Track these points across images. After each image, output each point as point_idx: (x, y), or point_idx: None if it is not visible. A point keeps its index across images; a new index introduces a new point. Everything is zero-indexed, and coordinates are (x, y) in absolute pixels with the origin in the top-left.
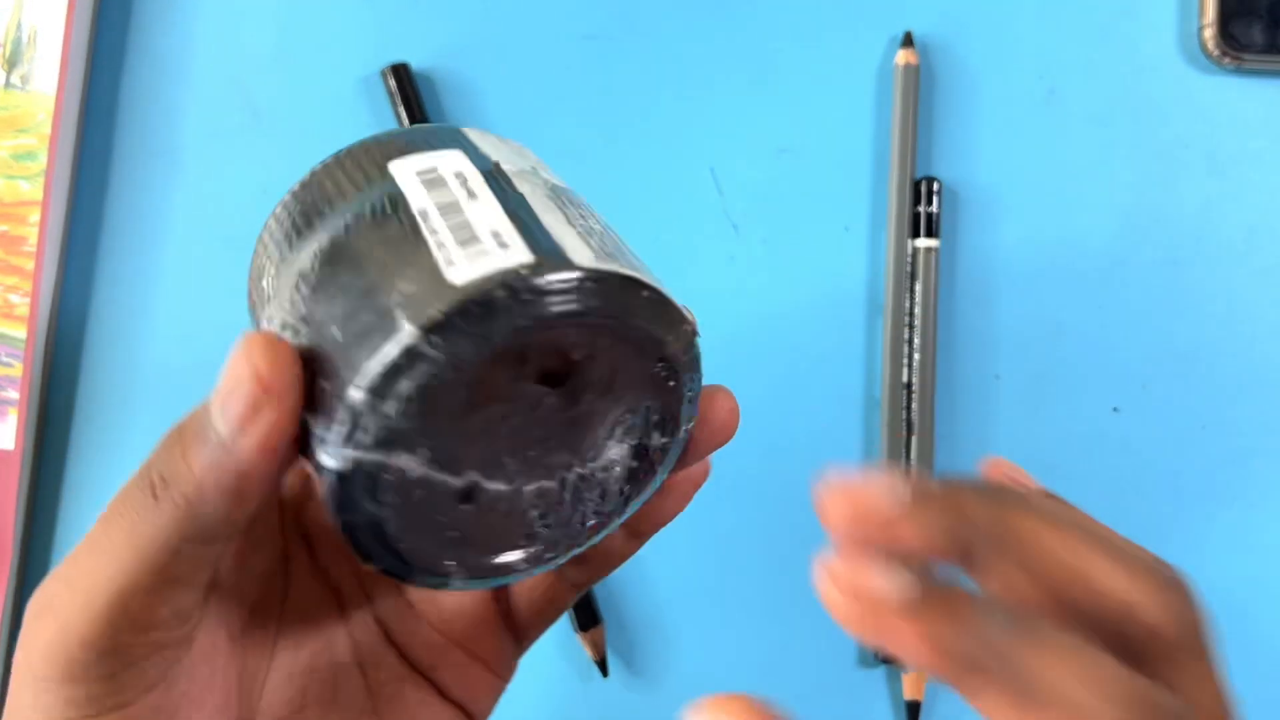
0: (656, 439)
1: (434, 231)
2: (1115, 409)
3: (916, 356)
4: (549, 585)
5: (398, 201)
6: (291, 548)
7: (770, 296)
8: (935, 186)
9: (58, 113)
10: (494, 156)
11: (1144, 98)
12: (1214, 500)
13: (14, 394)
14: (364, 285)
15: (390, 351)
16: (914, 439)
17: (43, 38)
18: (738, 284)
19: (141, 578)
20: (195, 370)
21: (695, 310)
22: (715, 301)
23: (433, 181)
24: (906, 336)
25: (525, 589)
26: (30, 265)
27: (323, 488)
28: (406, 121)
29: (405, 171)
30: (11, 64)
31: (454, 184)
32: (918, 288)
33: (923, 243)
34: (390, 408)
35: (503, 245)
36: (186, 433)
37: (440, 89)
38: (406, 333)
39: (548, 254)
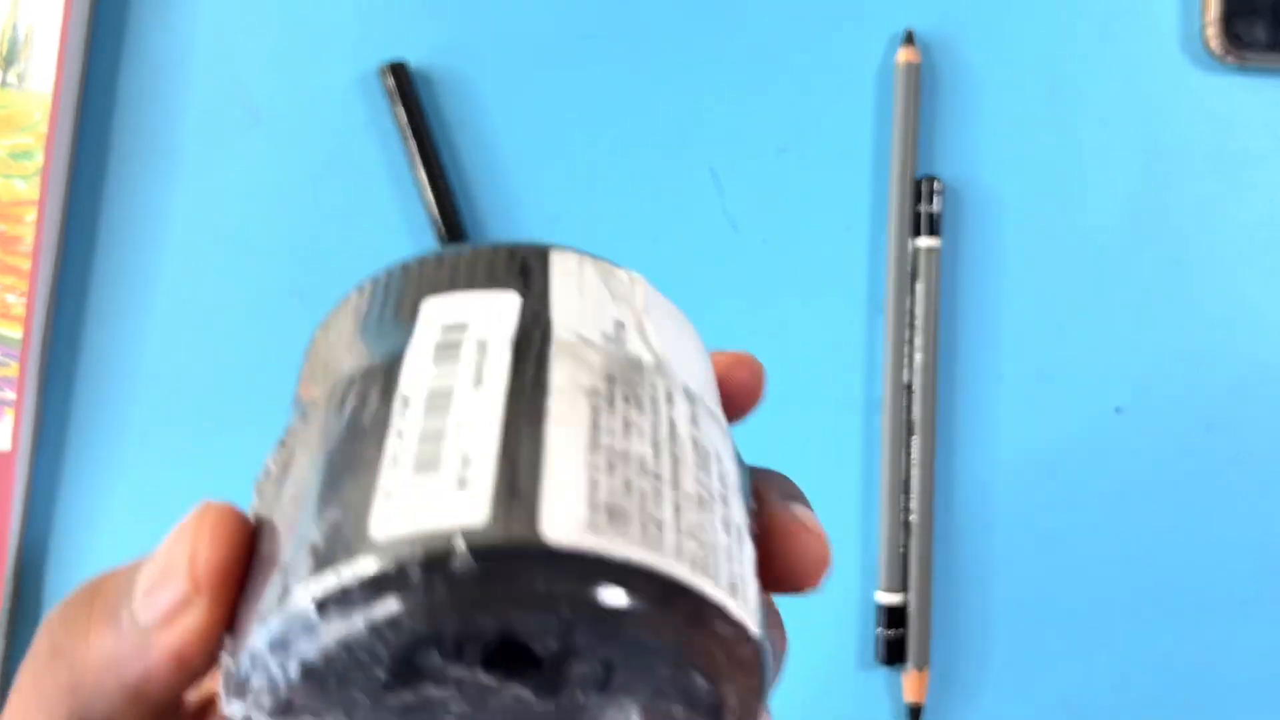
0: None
1: (401, 435)
2: (1118, 409)
3: (918, 357)
4: None
5: (393, 369)
6: None
7: (771, 296)
8: (936, 186)
9: (54, 112)
10: (559, 309)
11: (1146, 96)
12: (1216, 500)
13: (11, 394)
14: (306, 490)
15: (278, 615)
16: (915, 440)
17: (39, 36)
18: (738, 284)
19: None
20: (192, 370)
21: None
22: (715, 301)
23: (446, 349)
24: (908, 337)
25: None
26: (27, 265)
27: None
28: (404, 121)
29: (430, 323)
30: (8, 63)
31: (468, 358)
32: (919, 287)
33: (924, 242)
34: (280, 679)
35: (461, 484)
36: (98, 604)
37: (439, 88)
38: (297, 598)
39: (513, 512)
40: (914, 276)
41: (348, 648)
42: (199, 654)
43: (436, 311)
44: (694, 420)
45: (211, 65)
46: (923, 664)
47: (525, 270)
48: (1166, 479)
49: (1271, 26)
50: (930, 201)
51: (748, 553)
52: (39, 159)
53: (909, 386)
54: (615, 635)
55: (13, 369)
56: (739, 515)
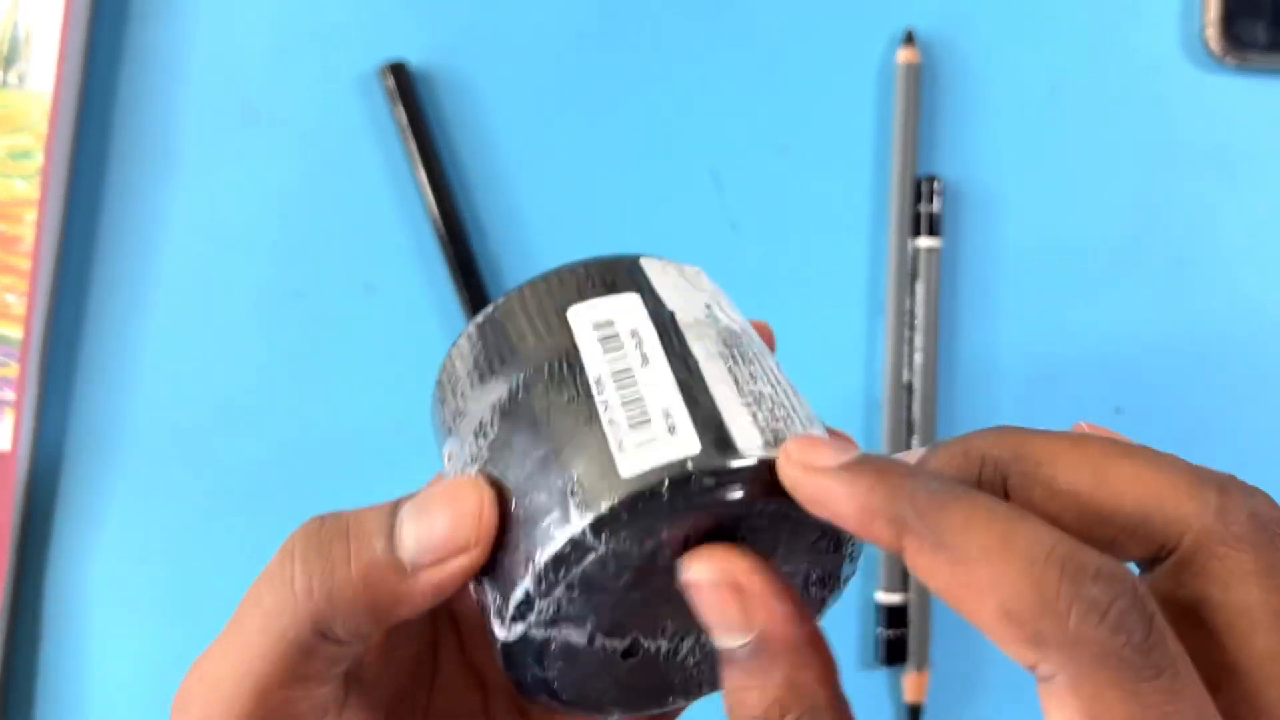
0: (816, 592)
1: (607, 405)
2: (1118, 409)
3: (918, 357)
4: None
5: (574, 363)
6: (440, 634)
7: (771, 296)
8: (937, 185)
9: (54, 112)
10: (669, 301)
11: (1147, 96)
12: None
13: (10, 394)
14: (539, 456)
15: (559, 541)
16: (915, 439)
17: (39, 36)
18: (738, 283)
19: (277, 672)
20: (191, 370)
21: None
22: None
23: (608, 340)
24: (908, 336)
25: None
26: (26, 265)
27: (493, 644)
28: (404, 121)
29: (583, 324)
30: (8, 63)
31: (629, 344)
32: (919, 287)
33: (924, 242)
34: (558, 593)
35: (672, 430)
36: (353, 536)
37: (438, 87)
38: (575, 525)
39: (717, 442)
40: (914, 276)
41: (612, 557)
42: (455, 588)
43: (582, 318)
44: (778, 365)
45: (211, 65)
46: (923, 664)
47: (631, 275)
48: None
49: (1271, 27)
50: (930, 201)
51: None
52: (39, 159)
53: (909, 386)
54: (785, 515)
55: (12, 369)
56: (806, 408)
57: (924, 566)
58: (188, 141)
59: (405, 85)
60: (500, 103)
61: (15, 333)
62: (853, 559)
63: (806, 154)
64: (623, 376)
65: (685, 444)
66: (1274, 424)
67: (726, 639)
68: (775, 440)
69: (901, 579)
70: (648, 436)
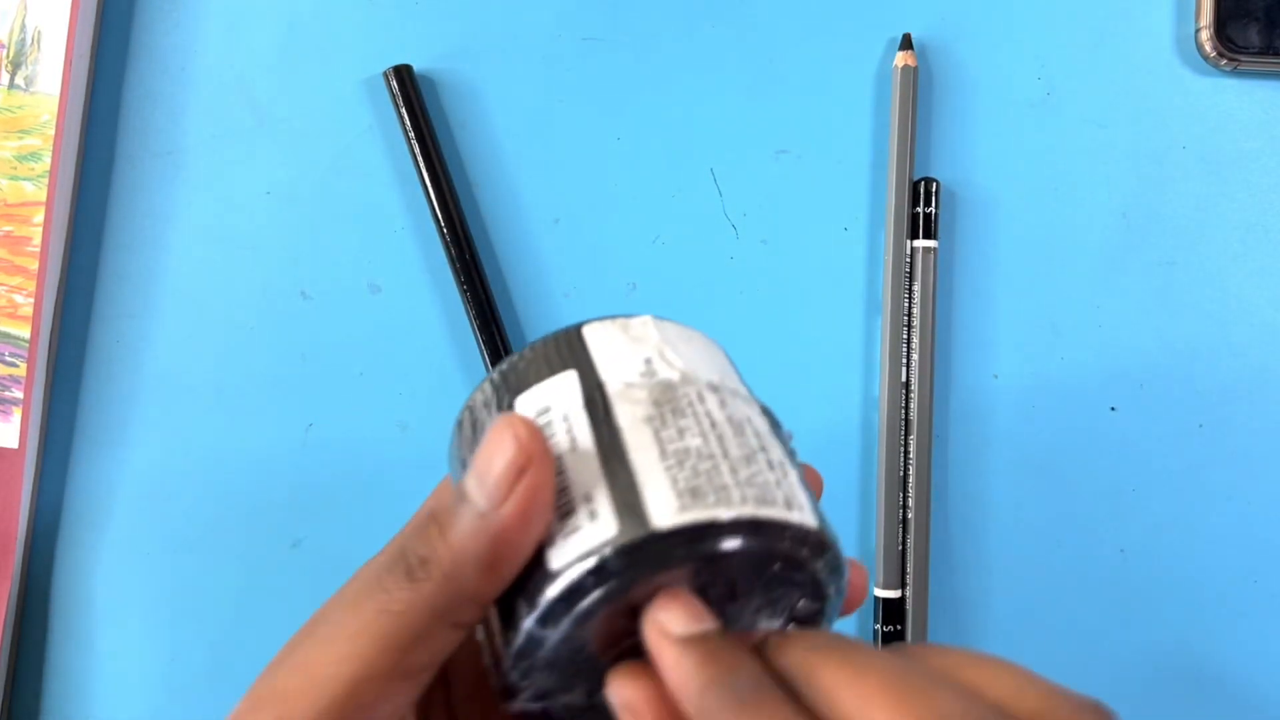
0: (805, 608)
1: None
2: (1112, 408)
3: (915, 356)
4: None
5: None
6: (434, 687)
7: (770, 296)
8: (934, 187)
9: (62, 114)
10: (604, 370)
11: (1141, 99)
12: (1210, 499)
13: (18, 393)
14: None
15: (518, 636)
16: (912, 439)
17: (47, 39)
18: (738, 284)
19: (381, 664)
20: (198, 370)
21: (696, 311)
22: (715, 301)
23: (546, 428)
24: (905, 337)
25: None
26: (34, 265)
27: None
28: (408, 123)
29: (526, 411)
30: (16, 65)
31: (560, 430)
32: (916, 288)
33: (921, 243)
34: (529, 668)
35: (593, 516)
36: (440, 515)
37: (442, 90)
38: (526, 623)
39: (632, 518)
40: (911, 277)
41: (564, 641)
42: (539, 508)
43: (526, 404)
44: (722, 404)
45: (217, 68)
46: None
47: (571, 350)
48: (1161, 477)
49: (1264, 30)
50: (927, 203)
51: (793, 474)
52: (46, 161)
53: (906, 385)
54: (725, 563)
55: (20, 368)
56: (777, 452)
57: None
58: (194, 143)
59: (409, 88)
60: (503, 105)
61: (23, 332)
62: (834, 570)
63: (805, 156)
64: (556, 465)
65: (603, 529)
66: (1267, 425)
67: None
68: (693, 497)
69: (899, 575)
70: (573, 527)
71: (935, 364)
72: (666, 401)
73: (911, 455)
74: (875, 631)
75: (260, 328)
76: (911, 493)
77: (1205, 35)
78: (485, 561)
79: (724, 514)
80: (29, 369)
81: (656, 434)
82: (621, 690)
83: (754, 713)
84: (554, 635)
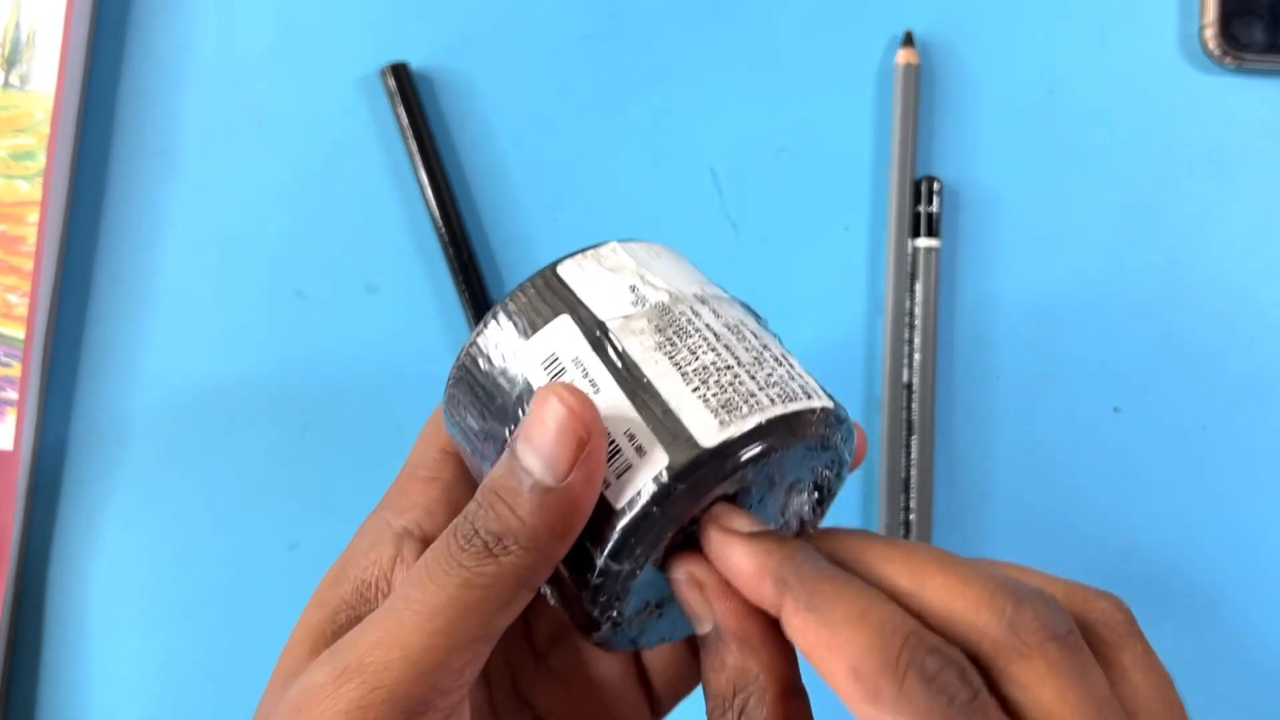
0: (826, 475)
1: None
2: (1116, 409)
3: (917, 356)
4: (682, 658)
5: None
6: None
7: (771, 296)
8: (936, 186)
9: (56, 112)
10: (597, 308)
11: (1145, 97)
12: (1214, 500)
13: (13, 394)
14: None
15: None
16: (914, 439)
17: (41, 37)
18: (738, 283)
19: (468, 634)
20: (194, 370)
21: None
22: None
23: (559, 376)
24: (907, 336)
25: (661, 663)
26: (29, 265)
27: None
28: (405, 122)
29: (533, 368)
30: (10, 64)
31: (577, 376)
32: (918, 288)
33: (923, 242)
34: (615, 587)
35: (640, 451)
36: (503, 492)
37: (439, 89)
38: (597, 561)
39: (681, 444)
40: (913, 276)
41: (638, 567)
42: (600, 470)
43: (530, 357)
44: (715, 314)
45: (213, 66)
46: None
47: (555, 294)
48: (1164, 478)
49: (1269, 28)
50: (929, 202)
51: (794, 361)
52: (41, 160)
53: (908, 386)
54: (766, 460)
55: (15, 369)
56: (775, 345)
57: (796, 625)
58: (190, 142)
59: (406, 86)
60: (501, 103)
61: (18, 333)
62: (846, 440)
63: (806, 154)
64: None
65: (655, 461)
66: (1270, 423)
67: (697, 626)
68: (728, 411)
69: None
70: (623, 465)
71: (937, 364)
72: (668, 325)
73: (914, 456)
74: None
75: (256, 327)
76: (914, 494)
77: (1210, 33)
78: (560, 529)
79: (761, 418)
80: (24, 369)
81: (671, 359)
82: (685, 566)
83: (829, 581)
84: (626, 566)
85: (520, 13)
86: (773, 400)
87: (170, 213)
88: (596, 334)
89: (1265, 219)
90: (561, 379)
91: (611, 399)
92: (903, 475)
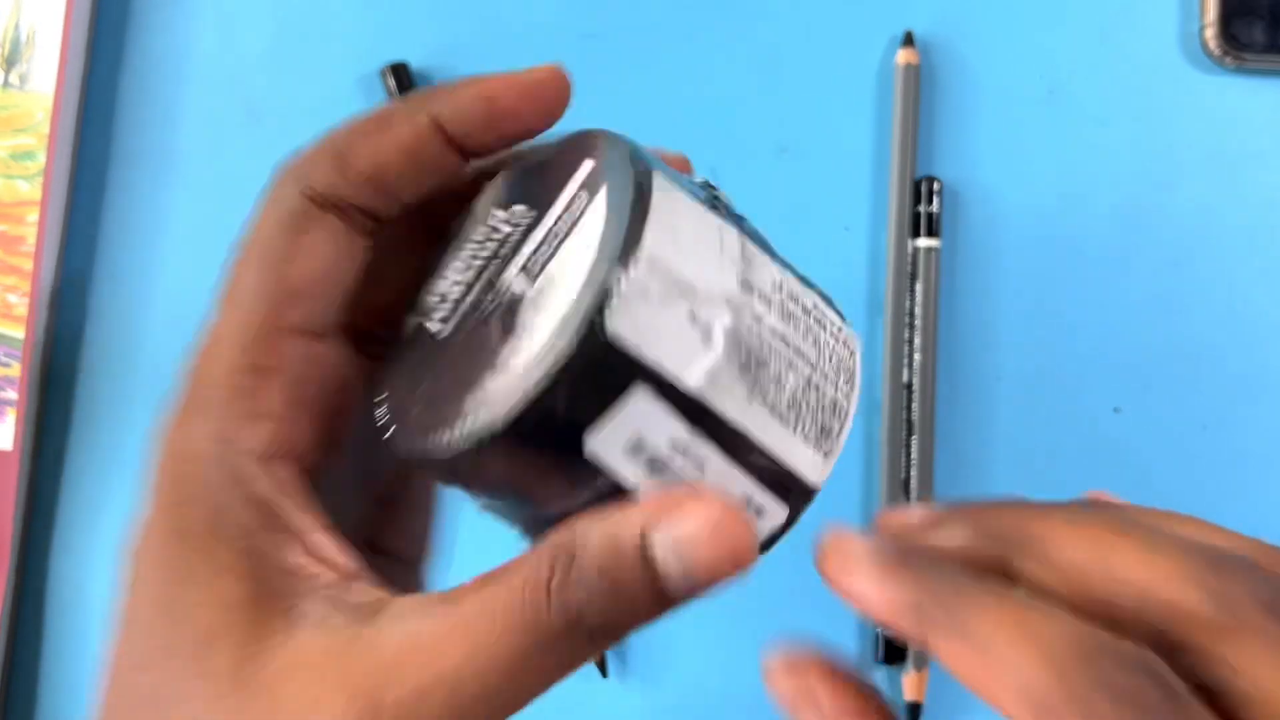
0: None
1: None
2: (1117, 409)
3: (917, 357)
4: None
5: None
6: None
7: None
8: (936, 186)
9: (56, 112)
10: (666, 365)
11: (1145, 97)
12: (1215, 501)
13: (12, 394)
14: None
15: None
16: (914, 439)
17: (41, 37)
18: None
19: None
20: None
21: None
22: None
23: (654, 466)
24: (907, 337)
25: None
26: (28, 265)
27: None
28: None
29: (614, 457)
30: (10, 63)
31: (678, 462)
32: (918, 288)
33: (923, 242)
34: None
35: (760, 513)
36: (621, 583)
37: None
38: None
39: (795, 494)
40: (913, 277)
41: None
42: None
43: (608, 447)
44: (769, 303)
45: (212, 66)
46: (922, 663)
47: (622, 366)
48: (1165, 479)
49: (1269, 28)
50: (929, 202)
51: (817, 299)
52: (41, 159)
53: (908, 386)
54: None
55: (14, 369)
56: (809, 296)
57: (949, 654)
58: (190, 142)
59: (406, 86)
60: None
61: (17, 333)
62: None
63: (806, 154)
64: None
65: (776, 516)
66: (1270, 423)
67: None
68: (826, 437)
69: None
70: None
71: (938, 365)
72: (748, 359)
73: (914, 456)
74: (878, 635)
75: None
76: (914, 494)
77: (1210, 33)
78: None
79: (847, 425)
80: (23, 370)
81: (765, 401)
82: (797, 678)
83: (973, 598)
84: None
85: (520, 11)
86: (848, 397)
87: (170, 212)
88: (689, 407)
89: (1266, 219)
90: (665, 474)
91: (720, 470)
92: (902, 475)
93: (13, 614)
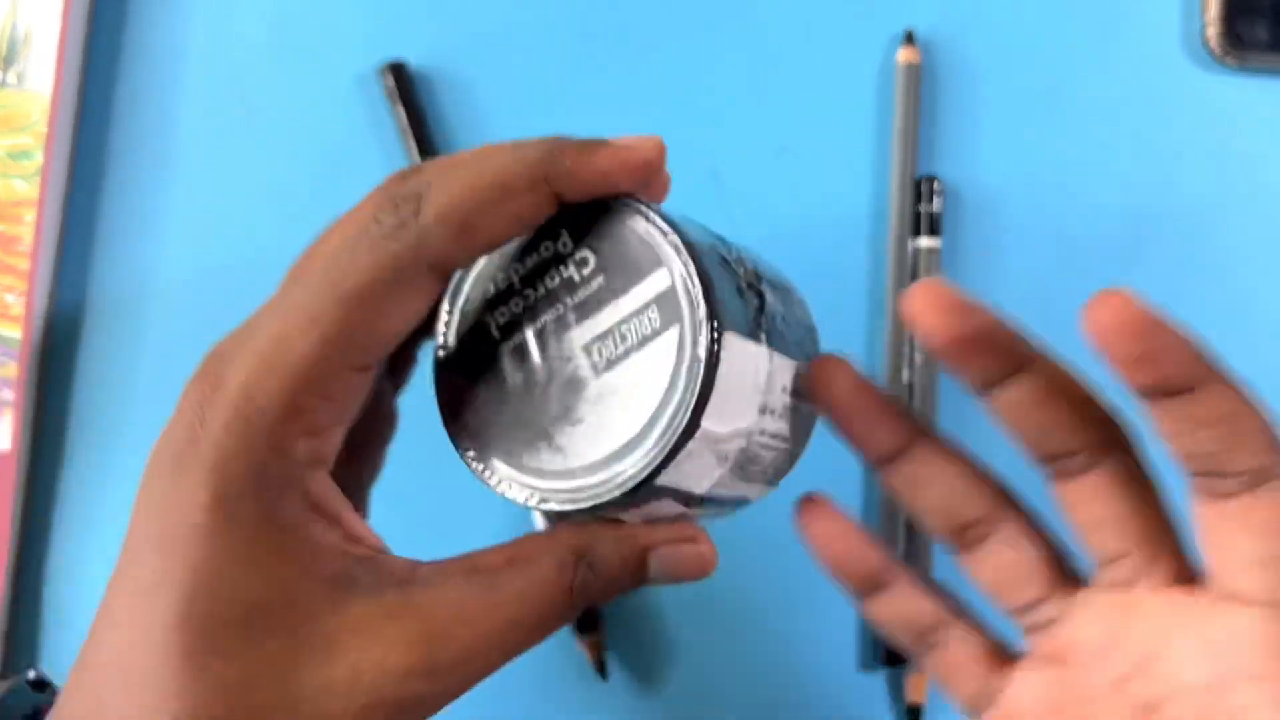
0: None
1: None
2: None
3: (918, 357)
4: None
5: None
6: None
7: None
8: (937, 185)
9: (53, 111)
10: (690, 486)
11: (1147, 96)
12: None
13: (9, 394)
14: None
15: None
16: None
17: (38, 36)
18: None
19: (381, 288)
20: (190, 373)
21: None
22: None
23: (649, 516)
24: (908, 336)
25: None
26: (25, 265)
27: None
28: (404, 122)
29: (627, 517)
30: (7, 63)
31: (668, 517)
32: None
33: (924, 242)
34: None
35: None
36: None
37: (438, 87)
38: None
39: (741, 506)
40: (914, 276)
41: None
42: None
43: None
44: (774, 412)
45: (210, 65)
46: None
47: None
48: (1164, 479)
49: (1272, 26)
50: (930, 201)
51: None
52: (38, 159)
53: (908, 386)
54: None
55: (11, 369)
56: (787, 374)
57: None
58: (187, 141)
59: (404, 85)
60: (499, 102)
61: (14, 333)
62: None
63: (806, 154)
64: None
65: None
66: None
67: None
68: (778, 476)
69: None
70: None
71: (938, 365)
72: (745, 464)
73: None
74: (879, 637)
75: None
76: None
77: (1212, 32)
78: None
79: (797, 461)
80: (20, 370)
81: (746, 479)
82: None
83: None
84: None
85: (520, 12)
86: (805, 444)
87: (167, 212)
88: (692, 499)
89: (1269, 219)
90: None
91: (695, 514)
92: None
93: (10, 614)
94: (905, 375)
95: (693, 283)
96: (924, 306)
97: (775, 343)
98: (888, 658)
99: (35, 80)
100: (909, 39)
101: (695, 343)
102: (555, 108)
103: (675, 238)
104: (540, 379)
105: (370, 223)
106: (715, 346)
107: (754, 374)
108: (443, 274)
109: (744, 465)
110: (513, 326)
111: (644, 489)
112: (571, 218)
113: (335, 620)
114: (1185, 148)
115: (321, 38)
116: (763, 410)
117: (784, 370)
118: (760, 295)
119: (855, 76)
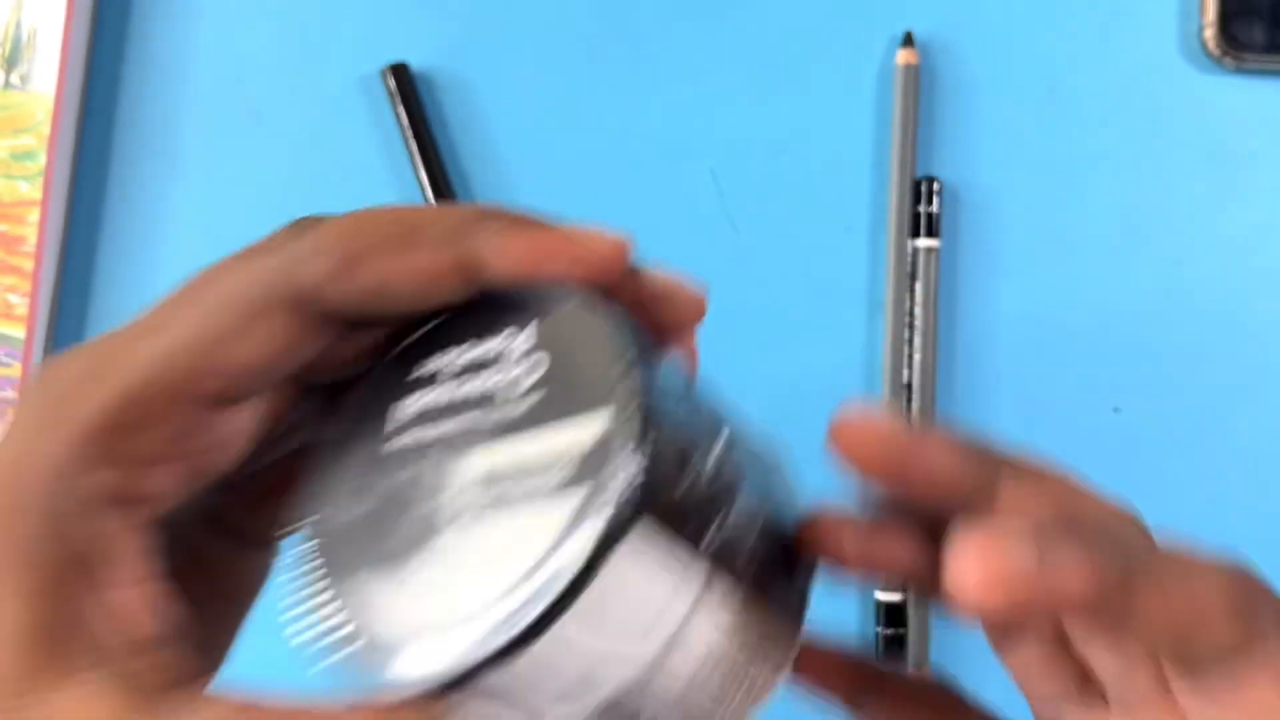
0: None
1: None
2: (1116, 409)
3: (917, 356)
4: None
5: None
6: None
7: (770, 296)
8: (935, 186)
9: (57, 112)
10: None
11: (1145, 97)
12: (1214, 501)
13: (13, 394)
14: None
15: None
16: None
17: (42, 37)
18: (738, 284)
19: (238, 339)
20: None
21: None
22: (715, 302)
23: None
24: (907, 336)
25: None
26: (29, 265)
27: None
28: (406, 123)
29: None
30: (11, 64)
31: None
32: (918, 287)
33: (923, 242)
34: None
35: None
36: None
37: (440, 89)
38: None
39: None
40: (913, 276)
41: None
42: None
43: None
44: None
45: (214, 66)
46: (922, 662)
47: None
48: (1164, 479)
49: (1269, 28)
50: (929, 202)
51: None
52: (42, 160)
53: (908, 386)
54: None
55: (15, 369)
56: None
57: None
58: (190, 142)
59: (407, 86)
60: (501, 103)
61: (18, 333)
62: None
63: (806, 154)
64: None
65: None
66: (1271, 425)
67: None
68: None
69: None
70: None
71: (938, 365)
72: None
73: None
74: (877, 635)
75: None
76: None
77: (1210, 33)
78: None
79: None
80: (24, 370)
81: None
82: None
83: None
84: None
85: (520, 13)
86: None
87: (170, 212)
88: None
89: (1264, 218)
90: None
91: None
92: None
93: None
94: (905, 376)
95: (623, 441)
96: (851, 438)
97: (719, 572)
98: (886, 655)
99: (39, 81)
100: (908, 41)
101: (585, 520)
102: (556, 109)
103: (633, 382)
104: (410, 496)
105: (251, 245)
106: (611, 538)
107: (663, 598)
108: (316, 314)
109: None
110: (416, 422)
111: (438, 692)
112: (544, 317)
113: (31, 705)
114: (1182, 148)
115: (324, 39)
116: (667, 652)
117: (722, 609)
118: (723, 509)
119: (855, 78)
